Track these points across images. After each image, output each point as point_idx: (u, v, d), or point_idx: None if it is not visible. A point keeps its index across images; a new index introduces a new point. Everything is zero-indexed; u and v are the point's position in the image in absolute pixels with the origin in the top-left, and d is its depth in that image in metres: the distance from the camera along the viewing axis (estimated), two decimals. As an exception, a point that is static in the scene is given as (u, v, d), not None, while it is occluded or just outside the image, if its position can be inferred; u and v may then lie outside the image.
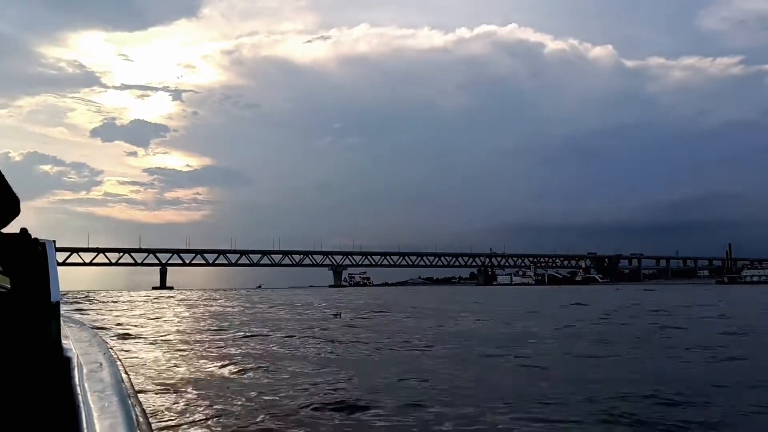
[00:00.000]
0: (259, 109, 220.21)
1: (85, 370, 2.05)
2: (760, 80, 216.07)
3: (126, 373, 1.79)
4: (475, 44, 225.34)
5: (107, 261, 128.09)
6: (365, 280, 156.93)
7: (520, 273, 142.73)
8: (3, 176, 2.25)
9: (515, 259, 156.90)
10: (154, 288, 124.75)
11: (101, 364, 2.12)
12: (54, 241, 2.96)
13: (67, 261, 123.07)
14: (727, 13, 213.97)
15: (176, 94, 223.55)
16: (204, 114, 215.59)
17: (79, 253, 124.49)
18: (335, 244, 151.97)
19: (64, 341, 2.56)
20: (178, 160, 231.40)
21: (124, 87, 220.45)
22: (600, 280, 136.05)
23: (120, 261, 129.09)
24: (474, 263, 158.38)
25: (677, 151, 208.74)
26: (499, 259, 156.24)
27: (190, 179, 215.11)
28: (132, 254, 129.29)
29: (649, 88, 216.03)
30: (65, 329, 2.76)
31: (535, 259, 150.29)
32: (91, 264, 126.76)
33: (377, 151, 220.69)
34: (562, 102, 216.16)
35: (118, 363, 2.10)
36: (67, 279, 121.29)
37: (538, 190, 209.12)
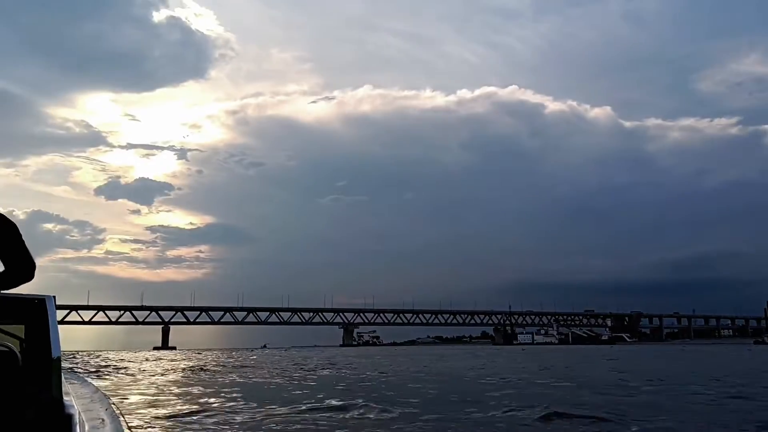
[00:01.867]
0: (264, 168, 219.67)
1: (87, 427, 2.08)
2: (758, 140, 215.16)
3: (129, 429, 1.85)
4: (477, 105, 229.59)
5: (107, 319, 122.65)
6: (375, 339, 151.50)
7: (542, 332, 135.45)
8: (23, 241, 2.58)
9: (533, 317, 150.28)
10: (156, 348, 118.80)
11: (103, 421, 2.19)
12: (54, 297, 3.09)
13: (66, 319, 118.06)
14: (722, 75, 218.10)
15: (181, 153, 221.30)
16: (208, 172, 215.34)
17: (79, 311, 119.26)
18: (343, 302, 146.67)
19: (65, 398, 2.56)
20: (181, 219, 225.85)
21: (130, 146, 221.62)
22: (628, 340, 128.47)
23: (120, 319, 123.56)
24: (490, 321, 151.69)
25: (678, 210, 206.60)
26: (516, 317, 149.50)
27: (193, 237, 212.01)
28: (133, 312, 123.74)
29: (648, 148, 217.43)
30: (66, 385, 2.74)
31: (557, 317, 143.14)
32: (90, 322, 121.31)
33: (382, 208, 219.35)
34: (562, 161, 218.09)
35: (121, 419, 2.17)
36: (64, 338, 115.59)
37: (542, 248, 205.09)
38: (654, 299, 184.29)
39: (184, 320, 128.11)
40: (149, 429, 10.11)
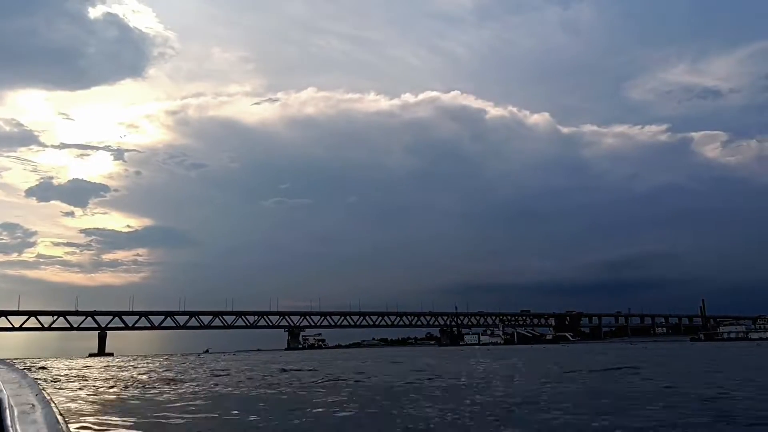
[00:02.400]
0: (205, 170, 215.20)
1: (16, 412, 2.04)
2: (686, 146, 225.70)
3: (61, 414, 1.84)
4: (420, 109, 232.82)
5: (40, 325, 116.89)
6: (320, 342, 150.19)
7: (488, 332, 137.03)
8: None
9: (478, 318, 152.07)
10: (92, 355, 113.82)
11: (33, 406, 2.15)
12: None
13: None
14: (652, 84, 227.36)
15: (118, 153, 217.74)
16: (147, 174, 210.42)
17: (8, 317, 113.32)
18: (289, 306, 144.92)
19: None
20: (118, 221, 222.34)
21: (64, 146, 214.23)
22: (571, 339, 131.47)
23: (54, 325, 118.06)
24: (436, 323, 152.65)
25: (612, 213, 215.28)
26: (462, 318, 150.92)
27: (131, 240, 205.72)
28: (67, 317, 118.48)
29: (584, 153, 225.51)
30: None
31: (502, 318, 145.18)
32: (21, 329, 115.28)
33: (326, 211, 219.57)
34: (503, 165, 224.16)
35: (52, 405, 2.13)
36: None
37: (484, 251, 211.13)
38: (591, 299, 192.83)
39: (122, 326, 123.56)
40: (81, 414, 9.73)
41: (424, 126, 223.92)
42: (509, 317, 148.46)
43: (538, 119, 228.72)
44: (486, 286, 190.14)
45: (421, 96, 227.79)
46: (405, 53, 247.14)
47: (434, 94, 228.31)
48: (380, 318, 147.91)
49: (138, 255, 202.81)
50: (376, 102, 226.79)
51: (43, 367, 42.83)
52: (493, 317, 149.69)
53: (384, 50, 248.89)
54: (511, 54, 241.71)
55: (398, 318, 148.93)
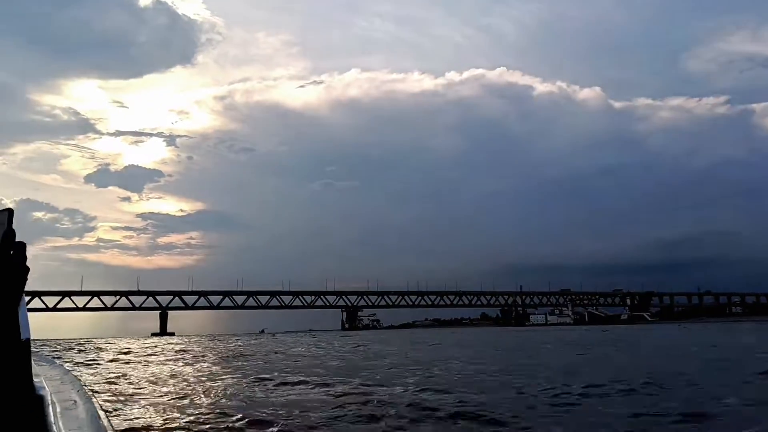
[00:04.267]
0: (254, 153, 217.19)
1: (59, 408, 2.05)
2: (747, 119, 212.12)
3: (102, 410, 1.91)
4: (465, 87, 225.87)
5: (103, 305, 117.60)
6: (375, 323, 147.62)
7: (556, 312, 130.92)
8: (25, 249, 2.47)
9: (540, 297, 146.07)
10: (154, 334, 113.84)
11: (75, 402, 2.16)
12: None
13: (59, 306, 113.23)
14: (711, 54, 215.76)
15: (170, 139, 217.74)
16: (198, 159, 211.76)
17: (72, 297, 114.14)
18: (341, 287, 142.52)
19: (35, 379, 2.44)
20: (172, 205, 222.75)
21: (119, 133, 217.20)
22: (649, 319, 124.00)
23: (116, 305, 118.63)
24: (497, 302, 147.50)
25: (669, 190, 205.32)
26: (523, 297, 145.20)
27: (184, 224, 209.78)
28: (129, 297, 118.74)
29: (638, 128, 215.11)
30: (36, 367, 2.56)
31: (572, 297, 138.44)
32: (84, 308, 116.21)
33: (372, 192, 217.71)
34: (551, 143, 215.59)
35: (94, 400, 2.15)
36: (55, 327, 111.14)
37: (532, 230, 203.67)
38: (650, 278, 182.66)
39: (182, 305, 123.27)
40: (122, 410, 9.68)
41: (470, 104, 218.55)
42: (579, 296, 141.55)
43: (588, 94, 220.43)
44: (536, 266, 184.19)
45: (465, 74, 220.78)
46: (449, 31, 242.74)
47: (479, 71, 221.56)
48: (438, 298, 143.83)
49: (191, 238, 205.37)
50: (419, 81, 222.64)
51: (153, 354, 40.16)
52: (561, 296, 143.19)
53: (428, 29, 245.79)
54: (560, 28, 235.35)
55: (457, 297, 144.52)
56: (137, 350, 34.85)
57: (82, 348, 39.49)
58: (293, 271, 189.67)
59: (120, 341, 63.33)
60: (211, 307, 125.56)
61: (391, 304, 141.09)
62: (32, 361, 2.36)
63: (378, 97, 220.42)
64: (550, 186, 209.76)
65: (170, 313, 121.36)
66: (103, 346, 43.80)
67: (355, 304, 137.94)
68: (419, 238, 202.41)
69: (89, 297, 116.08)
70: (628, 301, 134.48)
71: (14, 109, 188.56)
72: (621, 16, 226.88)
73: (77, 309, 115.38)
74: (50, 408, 1.94)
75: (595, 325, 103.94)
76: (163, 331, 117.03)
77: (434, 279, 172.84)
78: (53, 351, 33.99)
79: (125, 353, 26.34)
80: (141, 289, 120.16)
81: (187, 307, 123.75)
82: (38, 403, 2.11)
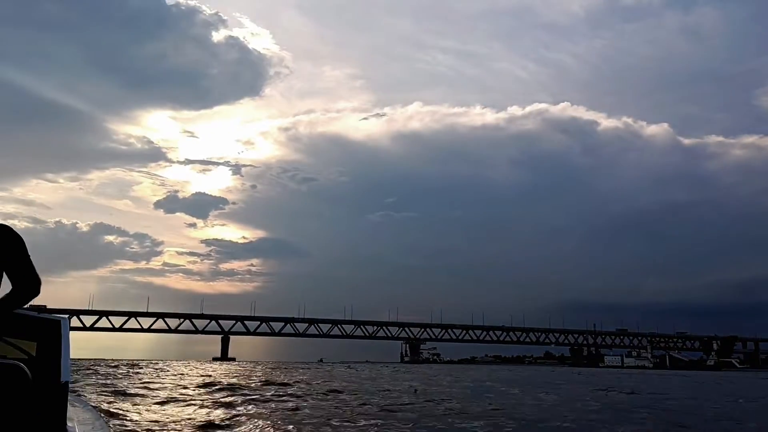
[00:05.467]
0: (315, 183, 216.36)
1: None
2: None
3: None
4: (527, 122, 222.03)
5: (167, 327, 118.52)
6: (435, 356, 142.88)
7: (633, 354, 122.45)
8: (29, 257, 2.71)
9: (613, 338, 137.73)
10: (215, 359, 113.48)
11: None
12: (69, 317, 2.86)
13: (125, 326, 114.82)
14: None
15: (236, 168, 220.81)
16: (261, 187, 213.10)
17: (138, 318, 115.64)
18: (400, 318, 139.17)
19: (68, 423, 2.66)
20: (235, 232, 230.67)
21: (188, 162, 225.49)
22: (738, 366, 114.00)
23: (180, 328, 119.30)
24: (566, 341, 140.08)
25: (743, 229, 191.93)
26: (595, 336, 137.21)
27: (245, 251, 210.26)
28: (193, 321, 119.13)
29: (709, 166, 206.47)
30: (70, 410, 2.79)
31: (651, 339, 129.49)
32: (149, 330, 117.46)
33: (432, 225, 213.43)
34: (617, 179, 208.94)
35: None
36: (121, 347, 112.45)
37: (595, 268, 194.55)
38: (720, 322, 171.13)
39: (244, 330, 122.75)
40: None
41: (532, 139, 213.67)
42: (658, 338, 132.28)
43: (655, 130, 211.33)
44: (599, 305, 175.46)
45: (528, 108, 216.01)
46: (511, 66, 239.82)
47: (542, 106, 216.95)
48: (504, 333, 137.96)
49: (252, 265, 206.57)
50: (481, 115, 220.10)
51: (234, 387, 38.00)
52: (639, 338, 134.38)
53: (490, 63, 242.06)
54: (626, 63, 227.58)
55: (524, 334, 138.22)
56: (208, 376, 32.19)
57: (139, 372, 37.57)
58: (351, 301, 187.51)
59: (181, 364, 61.87)
60: (273, 333, 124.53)
61: (455, 338, 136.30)
62: (68, 404, 2.45)
63: (439, 130, 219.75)
64: (614, 222, 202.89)
65: (231, 338, 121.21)
66: (164, 368, 41.86)
67: (417, 336, 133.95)
68: (474, 272, 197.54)
69: (154, 318, 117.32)
70: (715, 346, 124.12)
71: (92, 136, 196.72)
72: (689, 50, 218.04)
73: (142, 330, 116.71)
74: None
75: (678, 370, 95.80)
76: (224, 356, 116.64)
77: (493, 314, 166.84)
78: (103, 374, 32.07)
79: (194, 388, 23.14)
80: (204, 313, 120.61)
81: (248, 333, 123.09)
82: None
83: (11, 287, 2.60)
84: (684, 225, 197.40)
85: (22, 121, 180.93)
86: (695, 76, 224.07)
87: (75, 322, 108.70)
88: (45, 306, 68.60)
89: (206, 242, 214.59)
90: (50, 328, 2.88)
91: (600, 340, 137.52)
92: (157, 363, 63.07)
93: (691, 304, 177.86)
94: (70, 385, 2.61)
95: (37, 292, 2.64)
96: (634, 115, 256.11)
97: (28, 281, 2.59)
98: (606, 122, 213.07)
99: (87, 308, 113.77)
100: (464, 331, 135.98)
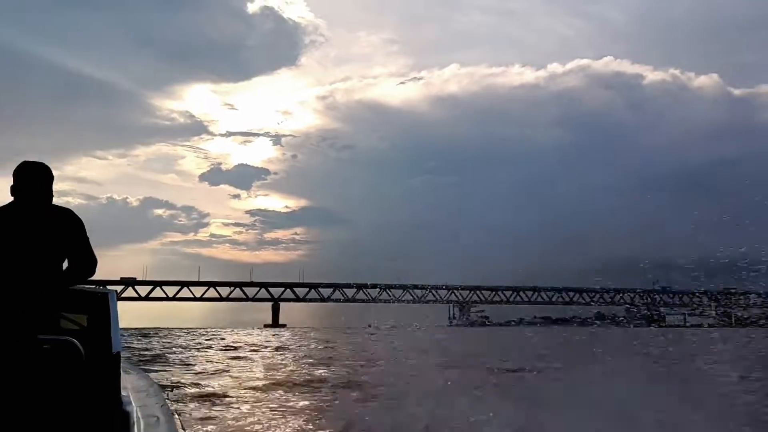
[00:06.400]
0: (355, 150, 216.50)
1: (142, 425, 2.27)
2: None
3: (183, 428, 2.01)
4: (569, 79, 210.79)
5: (218, 296, 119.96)
6: (483, 319, 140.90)
7: (697, 312, 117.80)
8: (88, 239, 2.85)
9: (671, 296, 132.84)
10: (266, 326, 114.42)
11: (158, 419, 2.39)
12: (116, 291, 3.12)
13: (177, 296, 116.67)
14: None
15: (276, 139, 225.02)
16: (302, 157, 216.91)
17: (190, 288, 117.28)
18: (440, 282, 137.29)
19: (123, 392, 2.75)
20: (278, 202, 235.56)
21: (229, 134, 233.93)
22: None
23: (231, 296, 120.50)
24: (622, 300, 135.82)
25: None
26: (653, 295, 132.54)
27: (289, 220, 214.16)
28: (243, 288, 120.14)
29: (763, 116, 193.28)
30: (124, 378, 2.86)
31: (712, 296, 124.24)
32: (201, 299, 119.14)
33: (474, 188, 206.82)
34: (664, 134, 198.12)
35: (176, 417, 2.43)
36: (175, 316, 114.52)
37: (643, 226, 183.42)
38: None
39: (293, 297, 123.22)
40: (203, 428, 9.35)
41: (574, 96, 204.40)
42: (718, 294, 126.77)
43: (704, 81, 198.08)
44: (649, 263, 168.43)
45: (569, 65, 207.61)
46: (552, 22, 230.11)
47: (584, 61, 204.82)
48: (557, 294, 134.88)
49: (296, 234, 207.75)
50: (520, 74, 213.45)
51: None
52: (690, 295, 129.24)
53: (529, 20, 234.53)
54: (672, 12, 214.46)
55: (577, 294, 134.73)
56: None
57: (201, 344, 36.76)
58: (398, 265, 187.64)
59: (243, 332, 61.64)
60: (322, 299, 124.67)
61: (505, 300, 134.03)
62: (121, 372, 2.57)
63: (477, 92, 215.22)
64: (662, 180, 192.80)
65: (281, 305, 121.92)
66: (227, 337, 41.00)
67: (467, 299, 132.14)
68: (518, 234, 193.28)
69: (206, 287, 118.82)
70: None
71: (137, 113, 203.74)
72: None
73: (195, 299, 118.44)
74: (135, 426, 2.00)
75: (743, 328, 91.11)
76: (275, 323, 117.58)
77: (541, 275, 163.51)
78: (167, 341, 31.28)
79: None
80: (254, 281, 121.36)
81: (298, 299, 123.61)
82: (124, 419, 2.19)
83: (68, 265, 2.74)
84: (737, 180, 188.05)
85: (70, 100, 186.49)
86: (746, 23, 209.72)
87: (130, 292, 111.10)
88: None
89: (250, 213, 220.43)
90: (99, 301, 2.94)
91: (658, 298, 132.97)
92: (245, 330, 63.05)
93: (747, 259, 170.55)
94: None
95: (92, 272, 2.78)
96: (682, 67, 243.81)
97: (85, 261, 2.75)
98: (652, 75, 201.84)
99: (142, 279, 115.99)
100: (515, 293, 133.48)
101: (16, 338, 2.39)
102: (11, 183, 2.90)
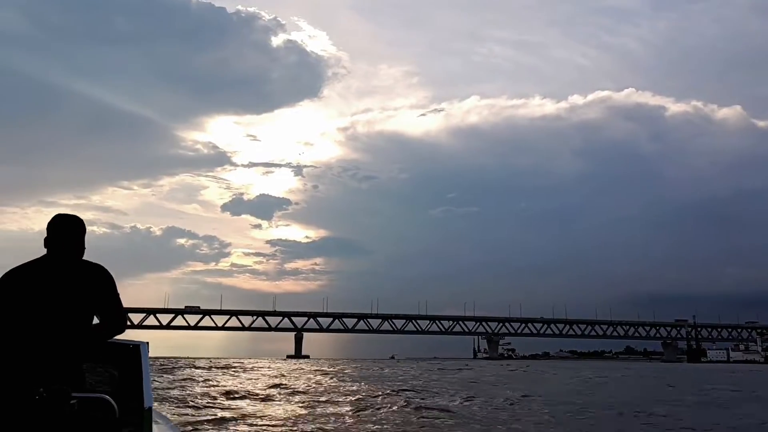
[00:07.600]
0: (376, 181, 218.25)
1: None
2: None
3: None
4: (589, 110, 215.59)
5: (240, 325, 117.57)
6: (510, 352, 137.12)
7: (741, 347, 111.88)
8: (118, 296, 2.81)
9: (709, 330, 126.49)
10: (289, 356, 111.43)
11: None
12: (147, 343, 2.99)
13: (199, 324, 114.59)
14: None
15: (297, 169, 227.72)
16: (323, 187, 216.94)
17: (212, 316, 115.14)
18: (474, 313, 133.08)
19: None
20: (298, 232, 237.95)
21: (251, 165, 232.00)
22: None
23: (253, 325, 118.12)
24: (658, 335, 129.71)
25: None
26: (691, 329, 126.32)
27: (309, 250, 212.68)
28: (266, 318, 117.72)
29: None
30: (154, 428, 2.75)
31: (760, 331, 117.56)
32: (223, 328, 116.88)
33: (495, 219, 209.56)
34: (686, 165, 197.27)
35: None
36: (195, 345, 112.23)
37: (666, 258, 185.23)
38: None
39: (316, 327, 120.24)
40: None
41: (595, 128, 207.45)
42: (764, 329, 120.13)
43: (727, 113, 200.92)
44: (673, 296, 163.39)
45: (590, 97, 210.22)
46: (571, 53, 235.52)
47: (605, 93, 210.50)
48: (589, 327, 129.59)
49: (316, 264, 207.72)
50: (541, 106, 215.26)
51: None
52: (739, 330, 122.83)
53: (548, 52, 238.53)
54: (693, 44, 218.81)
55: (610, 328, 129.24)
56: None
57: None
58: (420, 297, 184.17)
59: (272, 363, 58.94)
60: (346, 330, 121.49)
61: (535, 332, 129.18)
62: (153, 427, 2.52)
63: (497, 123, 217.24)
64: (685, 211, 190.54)
65: (303, 335, 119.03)
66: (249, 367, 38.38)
67: (496, 331, 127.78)
68: (541, 265, 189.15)
69: (228, 316, 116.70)
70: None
71: (162, 144, 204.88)
72: (761, 27, 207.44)
73: (217, 328, 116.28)
74: None
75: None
76: (298, 353, 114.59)
77: (566, 307, 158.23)
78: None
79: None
80: (277, 310, 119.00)
81: (321, 329, 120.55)
82: None
83: (98, 321, 2.73)
84: (762, 212, 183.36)
85: (98, 132, 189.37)
86: (766, 55, 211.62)
87: (152, 320, 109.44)
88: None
89: (271, 242, 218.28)
90: (131, 354, 2.93)
91: (695, 333, 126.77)
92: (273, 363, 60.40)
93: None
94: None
95: (122, 329, 2.77)
96: (704, 99, 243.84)
97: (116, 318, 2.74)
98: (674, 107, 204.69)
99: (163, 307, 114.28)
100: (545, 325, 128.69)
101: (50, 396, 2.32)
102: (44, 235, 2.80)
